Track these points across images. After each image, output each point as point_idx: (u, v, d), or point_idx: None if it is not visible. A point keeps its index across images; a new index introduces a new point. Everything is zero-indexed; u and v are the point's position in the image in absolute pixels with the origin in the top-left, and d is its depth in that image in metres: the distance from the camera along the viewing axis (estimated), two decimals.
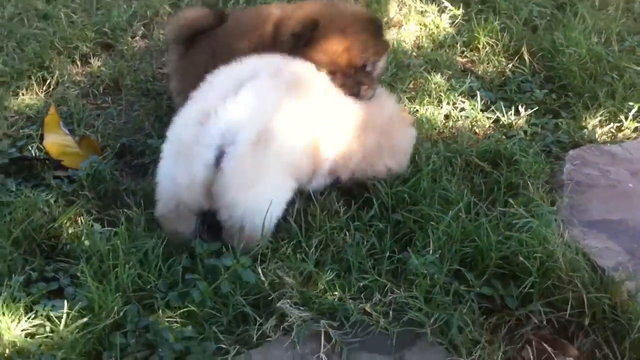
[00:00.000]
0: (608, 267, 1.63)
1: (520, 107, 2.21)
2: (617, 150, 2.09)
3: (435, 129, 2.15)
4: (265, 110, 1.64)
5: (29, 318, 1.50)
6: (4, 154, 2.08)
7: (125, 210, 1.79)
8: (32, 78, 2.38)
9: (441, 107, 2.24)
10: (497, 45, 2.48)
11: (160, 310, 1.52)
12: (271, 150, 1.62)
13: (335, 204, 1.82)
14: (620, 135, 2.16)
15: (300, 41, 1.83)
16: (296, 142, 1.69)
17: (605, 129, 2.17)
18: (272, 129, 1.63)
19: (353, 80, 1.84)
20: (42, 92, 2.35)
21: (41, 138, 2.12)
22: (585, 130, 2.16)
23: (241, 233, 1.65)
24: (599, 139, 2.13)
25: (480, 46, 2.49)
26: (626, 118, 2.19)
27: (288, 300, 1.54)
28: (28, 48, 2.49)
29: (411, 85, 2.35)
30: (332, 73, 1.82)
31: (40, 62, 2.45)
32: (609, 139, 2.15)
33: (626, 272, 1.59)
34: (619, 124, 2.19)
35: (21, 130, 2.18)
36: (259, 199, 1.64)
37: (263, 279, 1.58)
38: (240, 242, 1.66)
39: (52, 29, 2.58)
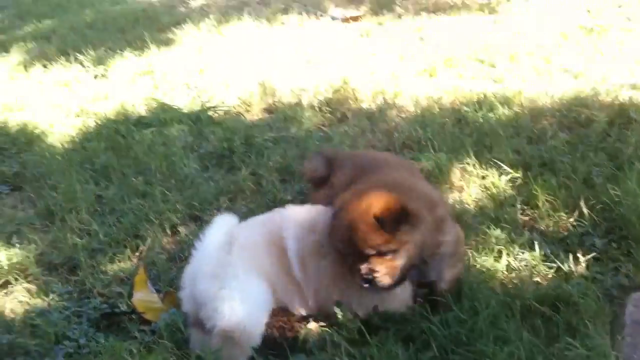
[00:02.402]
0: None
1: (579, 255, 2.27)
2: None
3: (495, 279, 2.23)
4: None
5: None
6: (96, 309, 2.32)
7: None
8: (127, 246, 2.67)
9: (501, 259, 2.33)
10: (556, 201, 2.59)
11: None
12: None
13: (393, 346, 1.89)
14: None
15: None
16: None
17: None
18: None
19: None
20: (134, 257, 2.62)
21: (130, 296, 2.35)
22: None
23: None
24: None
25: (540, 203, 2.60)
26: None
27: None
28: (126, 220, 2.80)
29: (472, 242, 2.47)
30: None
31: (135, 232, 2.74)
32: None
33: None
34: None
35: (113, 290, 2.42)
36: None
37: None
38: None
39: (147, 204, 2.90)
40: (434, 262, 2.10)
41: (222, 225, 2.17)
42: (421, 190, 2.17)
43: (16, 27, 5.36)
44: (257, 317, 2.04)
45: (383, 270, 1.96)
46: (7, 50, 4.79)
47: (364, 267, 1.96)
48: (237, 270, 2.04)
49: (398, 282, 2.01)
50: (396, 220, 1.97)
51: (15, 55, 4.71)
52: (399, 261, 1.98)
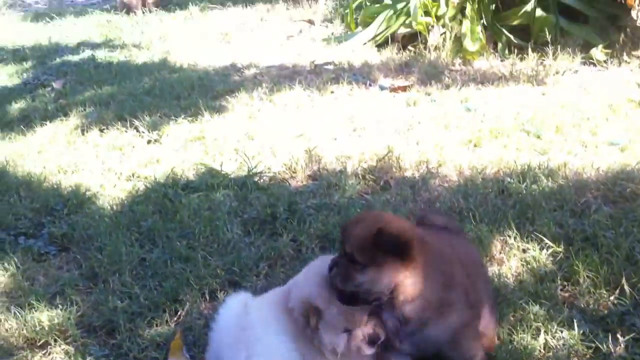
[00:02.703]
0: None
1: (619, 335, 2.21)
2: None
3: (532, 358, 2.19)
4: None
5: None
6: None
7: None
8: (166, 311, 2.71)
9: (539, 337, 2.29)
10: (597, 278, 2.53)
11: None
12: None
13: None
14: None
15: None
16: None
17: None
18: None
19: None
20: (172, 321, 2.65)
21: None
22: None
23: None
24: None
25: (581, 279, 2.55)
26: None
27: None
28: (167, 284, 2.86)
29: (511, 318, 2.43)
30: None
31: (175, 296, 2.79)
32: None
33: None
34: None
35: (149, 354, 2.45)
36: None
37: None
38: None
39: (189, 269, 2.95)
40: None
41: (238, 299, 2.21)
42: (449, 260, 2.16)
43: (77, 92, 5.59)
44: None
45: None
46: (66, 115, 5.00)
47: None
48: (258, 331, 2.05)
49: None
50: (395, 245, 1.97)
51: (74, 119, 4.91)
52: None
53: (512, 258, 2.80)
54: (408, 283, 2.03)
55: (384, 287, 2.02)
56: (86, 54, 6.87)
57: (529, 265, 2.73)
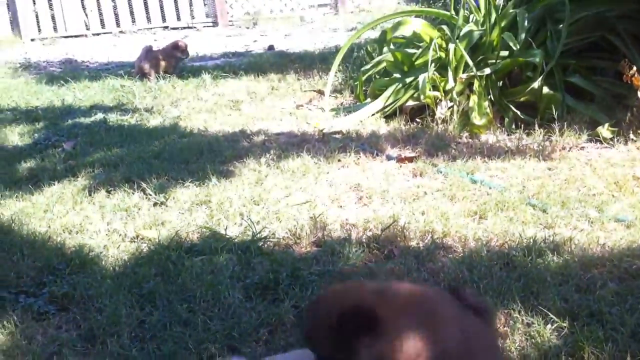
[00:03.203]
0: None
1: None
2: None
3: None
4: None
5: None
6: None
7: None
8: None
9: None
10: (602, 354, 2.49)
11: None
12: None
13: None
14: None
15: None
16: None
17: None
18: None
19: None
20: None
21: None
22: None
23: None
24: None
25: (586, 355, 2.51)
26: None
27: None
28: (165, 348, 2.82)
29: None
30: None
31: None
32: None
33: None
34: None
35: None
36: None
37: None
38: None
39: (188, 332, 2.92)
40: None
41: None
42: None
43: (87, 153, 5.66)
44: None
45: None
46: (74, 175, 5.04)
47: None
48: None
49: None
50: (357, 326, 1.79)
51: (82, 180, 4.95)
52: None
53: (516, 332, 2.76)
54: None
55: None
56: (98, 116, 6.99)
57: (533, 340, 2.69)
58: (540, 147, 5.07)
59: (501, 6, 6.17)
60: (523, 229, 3.70)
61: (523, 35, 5.73)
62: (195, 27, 16.59)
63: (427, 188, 4.43)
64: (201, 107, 7.20)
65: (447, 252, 3.55)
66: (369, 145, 5.41)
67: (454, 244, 3.64)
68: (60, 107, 7.65)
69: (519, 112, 5.74)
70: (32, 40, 15.66)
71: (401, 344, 1.84)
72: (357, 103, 6.81)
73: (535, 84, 5.65)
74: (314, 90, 7.61)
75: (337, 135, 5.77)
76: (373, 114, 6.22)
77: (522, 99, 5.84)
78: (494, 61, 5.86)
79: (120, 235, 4.02)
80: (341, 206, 4.30)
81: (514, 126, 5.65)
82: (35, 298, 3.36)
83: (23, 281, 3.53)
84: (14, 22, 15.82)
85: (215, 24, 16.88)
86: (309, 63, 9.20)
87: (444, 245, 3.62)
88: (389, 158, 5.09)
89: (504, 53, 5.89)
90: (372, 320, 1.82)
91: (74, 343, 2.95)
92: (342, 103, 7.08)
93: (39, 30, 15.93)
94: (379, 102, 6.28)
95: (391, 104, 6.22)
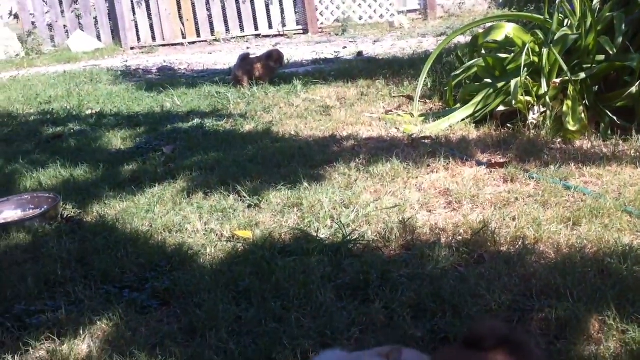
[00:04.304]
0: None
1: None
2: None
3: None
4: None
5: None
6: None
7: None
8: None
9: None
10: None
11: None
12: None
13: None
14: None
15: None
16: None
17: None
18: None
19: None
20: None
21: None
22: None
23: None
24: None
25: None
26: None
27: None
28: (261, 343, 2.94)
29: None
30: None
31: (268, 354, 2.86)
32: None
33: None
34: None
35: None
36: None
37: None
38: None
39: (283, 329, 3.03)
40: None
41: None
42: None
43: (185, 157, 5.90)
44: None
45: None
46: (174, 178, 5.27)
47: None
48: None
49: None
50: None
51: (181, 182, 5.17)
52: None
53: (611, 339, 2.72)
54: None
55: None
56: (195, 122, 7.26)
57: (628, 347, 2.65)
58: (638, 154, 4.93)
59: (597, 9, 6.03)
60: (619, 236, 3.63)
61: (620, 39, 5.59)
62: (286, 35, 16.90)
63: (519, 194, 4.39)
64: (292, 113, 7.35)
65: (539, 257, 3.52)
66: (459, 150, 5.40)
67: (546, 250, 3.61)
68: (159, 113, 7.99)
69: (615, 118, 5.60)
70: (132, 48, 16.40)
71: None
72: (447, 108, 6.80)
73: (633, 89, 5.50)
74: (403, 96, 7.64)
75: (426, 141, 5.79)
76: (463, 120, 6.20)
77: (618, 104, 5.69)
78: (589, 65, 5.73)
79: (217, 235, 4.19)
80: (430, 211, 4.33)
81: (609, 132, 5.52)
82: (139, 293, 3.56)
83: (127, 277, 3.74)
84: (115, 32, 16.60)
85: (305, 31, 17.14)
86: (397, 69, 9.23)
87: (535, 251, 3.59)
88: (479, 163, 5.07)
89: (600, 57, 5.76)
90: None
91: (175, 336, 3.11)
92: (431, 108, 7.09)
93: (138, 39, 16.65)
94: (469, 108, 6.25)
95: (481, 109, 6.18)
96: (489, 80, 6.34)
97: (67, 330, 3.22)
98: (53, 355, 3.04)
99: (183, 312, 3.31)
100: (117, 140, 6.84)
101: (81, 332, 3.20)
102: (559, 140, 5.48)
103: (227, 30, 17.05)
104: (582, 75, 5.69)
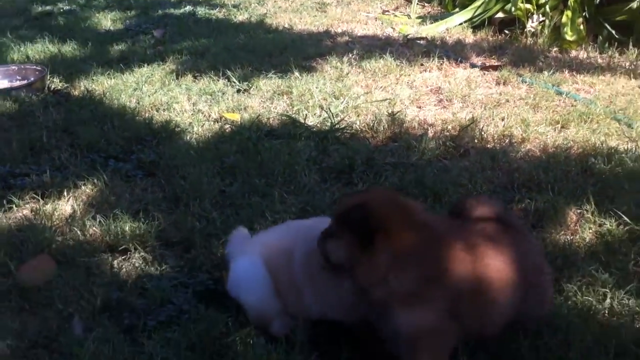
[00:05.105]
0: None
1: None
2: None
3: (594, 319, 2.18)
4: None
5: None
6: (202, 284, 2.53)
7: None
8: None
9: (604, 302, 2.28)
10: None
11: None
12: None
13: None
14: None
15: None
16: None
17: None
18: None
19: None
20: None
21: None
22: None
23: None
24: None
25: None
26: None
27: None
28: (243, 214, 2.98)
29: (578, 282, 2.42)
30: None
31: (250, 224, 2.87)
32: None
33: None
34: None
35: (221, 270, 2.57)
36: None
37: None
38: None
39: (265, 203, 3.07)
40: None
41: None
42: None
43: (175, 42, 5.80)
44: None
45: None
46: (163, 60, 5.20)
47: None
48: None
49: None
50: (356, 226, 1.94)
51: (170, 64, 5.11)
52: None
53: (587, 230, 2.77)
54: (364, 267, 1.93)
55: (340, 260, 1.98)
56: (187, 9, 7.10)
57: (603, 238, 2.70)
58: (633, 66, 4.90)
59: None
60: (605, 139, 3.64)
61: None
62: None
63: (510, 96, 4.37)
64: (287, 7, 7.20)
65: (525, 155, 3.54)
66: (454, 52, 5.34)
67: (532, 148, 3.62)
68: None
69: (613, 32, 5.52)
70: None
71: (376, 267, 1.92)
72: (445, 12, 6.68)
73: (634, 4, 5.39)
74: None
75: (421, 42, 5.70)
76: (460, 24, 6.10)
77: (618, 18, 5.59)
78: None
79: (204, 115, 4.17)
80: (420, 107, 4.31)
81: (607, 45, 5.45)
82: (124, 163, 3.57)
83: (113, 147, 3.74)
84: None
85: None
86: None
87: (521, 150, 3.60)
88: (472, 65, 5.03)
89: None
90: (366, 232, 1.91)
91: (159, 203, 3.14)
92: (429, 12, 6.95)
93: None
94: (468, 12, 6.14)
95: (480, 14, 6.06)
96: None
97: (51, 192, 3.24)
98: (37, 213, 3.07)
99: (167, 183, 3.33)
100: (106, 21, 6.70)
101: (65, 194, 3.22)
102: (555, 49, 5.41)
103: None
104: None
